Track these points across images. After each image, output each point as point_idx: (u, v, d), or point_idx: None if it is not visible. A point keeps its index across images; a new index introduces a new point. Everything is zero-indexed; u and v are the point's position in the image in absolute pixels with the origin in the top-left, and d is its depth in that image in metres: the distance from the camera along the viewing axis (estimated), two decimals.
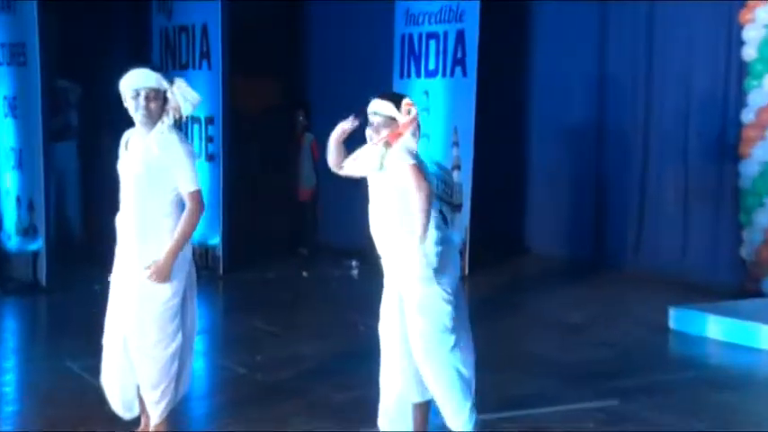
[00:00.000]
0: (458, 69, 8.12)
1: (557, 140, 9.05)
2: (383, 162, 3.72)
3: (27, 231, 7.46)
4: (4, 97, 7.65)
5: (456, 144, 8.15)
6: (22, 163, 7.49)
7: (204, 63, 8.13)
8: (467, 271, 7.97)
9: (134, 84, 3.82)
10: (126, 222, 3.92)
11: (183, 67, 8.28)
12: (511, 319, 6.73)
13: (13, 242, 7.67)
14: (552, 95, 9.04)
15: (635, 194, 8.42)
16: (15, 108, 7.50)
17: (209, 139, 8.08)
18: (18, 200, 7.59)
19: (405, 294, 3.78)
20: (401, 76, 8.60)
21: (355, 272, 8.26)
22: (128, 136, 3.96)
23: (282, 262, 8.62)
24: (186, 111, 3.87)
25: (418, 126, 3.87)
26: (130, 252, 3.87)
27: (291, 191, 9.35)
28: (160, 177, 3.80)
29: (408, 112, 3.76)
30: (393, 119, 3.74)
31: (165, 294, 3.85)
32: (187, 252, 3.92)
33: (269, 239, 9.27)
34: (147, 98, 3.80)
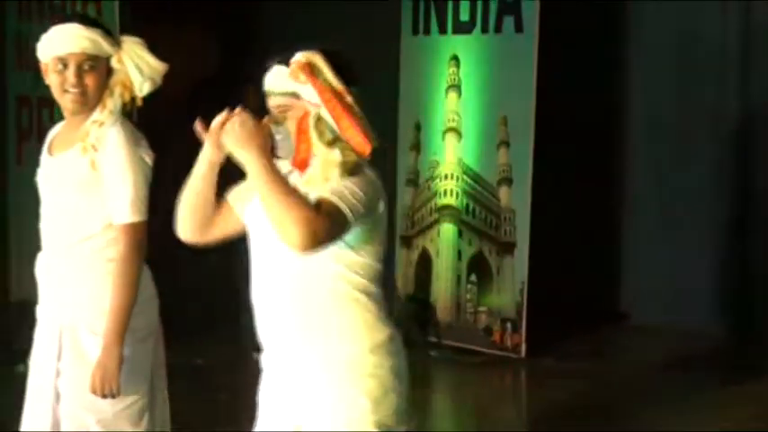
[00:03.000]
0: (507, 21, 8.11)
1: (678, 141, 9.09)
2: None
3: None
4: None
5: (505, 144, 8.15)
6: None
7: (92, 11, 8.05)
8: (524, 351, 7.96)
9: (58, 48, 3.86)
10: (48, 268, 3.96)
11: None
12: None
13: None
14: (671, 67, 9.06)
15: None
16: None
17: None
18: None
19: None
20: (414, 31, 8.61)
21: None
22: (53, 134, 4.06)
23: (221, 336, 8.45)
24: (142, 89, 3.93)
25: (346, 106, 3.24)
26: (56, 316, 3.93)
27: None
28: (95, 198, 3.88)
29: (305, 79, 3.19)
30: (296, 96, 3.27)
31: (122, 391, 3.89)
32: (148, 314, 3.95)
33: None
34: (80, 70, 3.86)
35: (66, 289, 3.91)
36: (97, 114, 3.89)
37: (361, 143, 3.20)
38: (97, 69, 3.89)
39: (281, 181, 3.09)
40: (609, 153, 9.51)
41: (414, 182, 8.74)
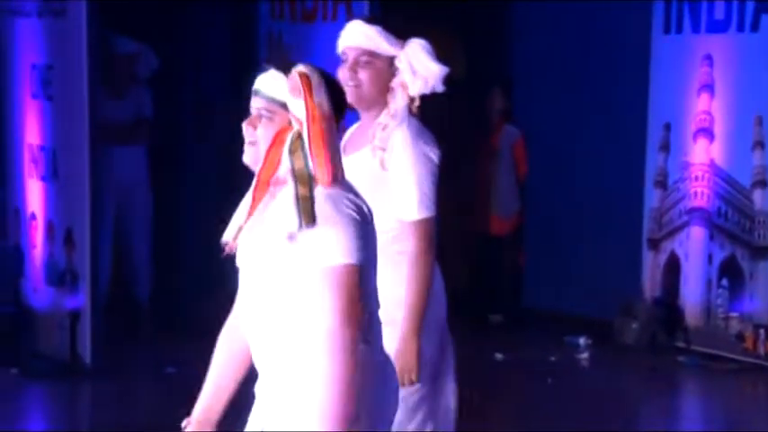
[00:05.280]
0: (765, 19, 7.99)
1: None
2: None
3: (62, 279, 7.62)
4: (33, 66, 7.84)
5: (760, 145, 8.01)
6: (56, 171, 7.67)
7: (342, 10, 8.15)
8: None
9: (341, 42, 4.06)
10: None
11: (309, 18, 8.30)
12: None
13: (40, 296, 7.84)
14: None
15: None
16: (49, 84, 7.68)
17: None
18: (49, 228, 7.77)
19: None
20: (666, 30, 8.54)
21: (585, 356, 8.27)
22: (348, 135, 4.17)
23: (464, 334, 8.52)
24: (415, 89, 4.00)
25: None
26: None
27: (478, 220, 9.31)
28: (385, 195, 3.97)
29: (301, 92, 3.10)
30: (284, 106, 3.19)
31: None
32: (436, 307, 4.04)
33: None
34: (356, 65, 4.00)
35: None
36: (382, 117, 3.99)
37: (326, 174, 3.13)
38: (373, 66, 3.99)
39: None
40: None
41: (662, 183, 8.62)
